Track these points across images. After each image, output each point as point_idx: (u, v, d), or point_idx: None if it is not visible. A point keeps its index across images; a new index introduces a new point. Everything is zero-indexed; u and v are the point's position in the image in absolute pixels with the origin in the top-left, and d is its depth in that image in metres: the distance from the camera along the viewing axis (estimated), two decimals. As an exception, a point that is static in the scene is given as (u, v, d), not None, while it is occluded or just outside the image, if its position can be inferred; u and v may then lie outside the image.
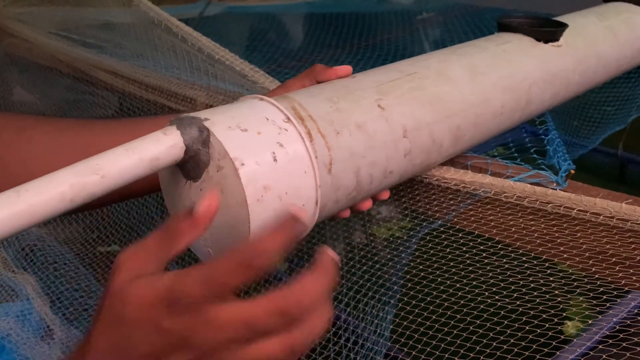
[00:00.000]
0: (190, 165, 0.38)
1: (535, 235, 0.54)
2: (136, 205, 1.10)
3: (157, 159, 0.35)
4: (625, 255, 0.49)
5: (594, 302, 0.52)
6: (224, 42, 0.77)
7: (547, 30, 0.69)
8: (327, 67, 0.53)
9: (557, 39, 0.70)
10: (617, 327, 0.52)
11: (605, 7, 0.93)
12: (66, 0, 1.16)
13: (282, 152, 0.39)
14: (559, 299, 0.53)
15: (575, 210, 0.51)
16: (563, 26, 0.71)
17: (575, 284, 0.52)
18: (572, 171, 0.58)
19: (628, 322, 0.51)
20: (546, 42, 0.68)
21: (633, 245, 0.48)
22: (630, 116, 1.22)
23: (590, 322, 0.60)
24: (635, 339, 0.46)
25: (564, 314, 0.54)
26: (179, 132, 0.37)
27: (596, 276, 0.50)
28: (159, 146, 0.36)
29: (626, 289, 0.48)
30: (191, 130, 0.37)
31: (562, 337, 0.52)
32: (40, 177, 0.32)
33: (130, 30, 0.89)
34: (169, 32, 0.76)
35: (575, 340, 0.58)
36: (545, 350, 0.51)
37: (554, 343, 0.51)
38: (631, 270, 0.48)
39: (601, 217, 0.50)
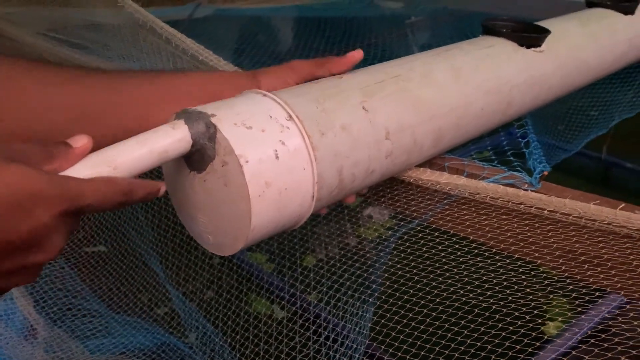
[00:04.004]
0: (196, 158, 0.40)
1: (509, 234, 0.55)
2: (122, 206, 1.09)
3: (165, 152, 0.37)
4: (593, 254, 0.50)
5: (572, 302, 0.53)
6: (213, 45, 0.77)
7: (530, 35, 0.70)
8: (342, 57, 0.53)
9: (539, 45, 0.71)
10: (600, 327, 0.53)
11: (588, 12, 0.94)
12: (54, 0, 1.16)
13: (283, 149, 0.41)
14: (531, 298, 0.54)
15: (546, 211, 0.52)
16: (546, 32, 0.72)
17: (547, 282, 0.53)
18: (546, 172, 0.59)
19: (609, 322, 0.52)
20: (529, 47, 0.69)
21: (601, 244, 0.50)
22: (612, 120, 1.24)
23: (561, 321, 0.61)
24: (616, 339, 0.47)
25: (546, 315, 0.55)
26: (187, 126, 0.38)
27: (566, 274, 0.51)
28: (168, 139, 0.37)
29: (594, 286, 0.49)
30: (198, 125, 0.39)
31: (535, 334, 0.53)
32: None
33: (117, 32, 0.90)
34: (153, 34, 0.77)
35: (555, 340, 0.59)
36: (517, 347, 0.52)
37: (526, 340, 0.53)
38: (599, 269, 0.49)
39: (571, 217, 0.51)
